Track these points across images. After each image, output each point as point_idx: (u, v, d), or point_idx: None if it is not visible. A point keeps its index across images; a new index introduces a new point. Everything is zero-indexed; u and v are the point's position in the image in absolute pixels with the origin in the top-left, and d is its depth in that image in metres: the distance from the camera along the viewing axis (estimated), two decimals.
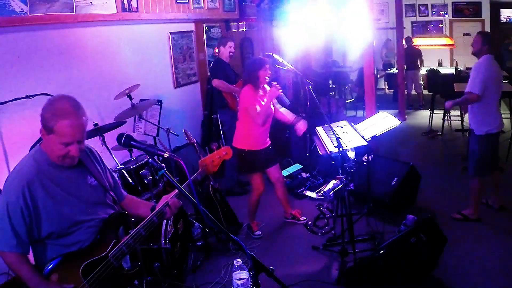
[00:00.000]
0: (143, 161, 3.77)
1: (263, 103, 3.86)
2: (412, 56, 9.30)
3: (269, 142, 4.09)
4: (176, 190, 2.02)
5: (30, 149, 3.14)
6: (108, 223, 1.95)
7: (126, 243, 1.90)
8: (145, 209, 2.15)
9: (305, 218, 4.36)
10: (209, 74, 5.88)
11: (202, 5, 5.91)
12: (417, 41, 9.57)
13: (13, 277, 3.43)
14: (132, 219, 2.14)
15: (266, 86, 3.96)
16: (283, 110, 4.14)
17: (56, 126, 1.77)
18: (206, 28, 6.23)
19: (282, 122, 4.20)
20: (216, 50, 5.58)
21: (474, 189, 4.12)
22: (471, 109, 4.12)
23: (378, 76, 10.37)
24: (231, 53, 5.19)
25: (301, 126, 4.06)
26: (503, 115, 5.53)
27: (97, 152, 2.14)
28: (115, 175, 2.24)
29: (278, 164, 4.19)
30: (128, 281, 1.98)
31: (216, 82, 4.99)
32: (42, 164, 1.86)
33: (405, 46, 9.30)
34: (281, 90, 3.87)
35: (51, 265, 1.79)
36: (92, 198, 1.96)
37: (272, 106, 3.95)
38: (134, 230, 1.92)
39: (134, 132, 4.65)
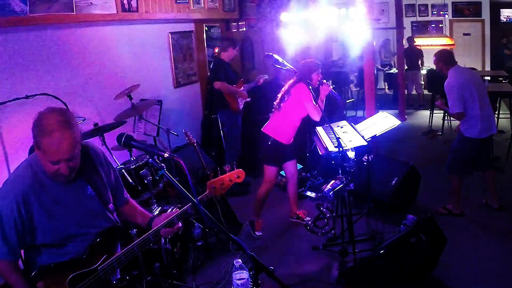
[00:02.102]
0: (143, 161, 3.76)
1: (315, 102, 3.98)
2: (413, 56, 9.30)
3: (293, 139, 4.18)
4: (175, 212, 1.96)
5: (29, 149, 3.15)
6: (101, 237, 1.90)
7: (118, 259, 1.86)
8: (143, 220, 2.09)
9: (309, 218, 4.36)
10: (209, 75, 5.87)
11: (202, 5, 5.91)
12: (417, 41, 9.57)
13: None
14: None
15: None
16: None
17: (42, 143, 1.68)
18: (206, 28, 6.22)
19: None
20: (217, 50, 5.57)
21: (453, 184, 4.28)
22: None
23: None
24: (235, 56, 5.20)
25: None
26: (503, 115, 5.55)
27: (101, 151, 2.04)
28: (119, 178, 2.16)
29: (295, 160, 4.25)
30: None
31: (218, 85, 4.98)
32: (39, 174, 1.80)
33: (406, 45, 9.31)
34: (332, 86, 4.07)
35: (36, 271, 1.78)
36: (90, 211, 1.90)
37: None
38: (128, 247, 1.88)
39: (134, 132, 4.66)
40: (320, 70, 4.09)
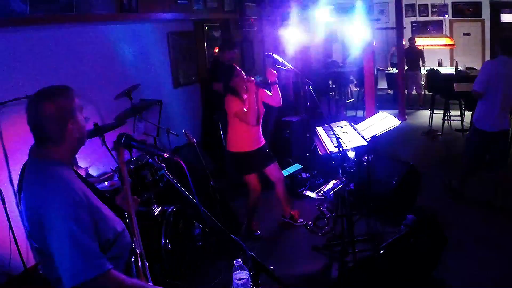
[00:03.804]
0: (143, 161, 3.76)
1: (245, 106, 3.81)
2: (413, 56, 9.31)
3: (264, 141, 4.08)
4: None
5: (30, 149, 3.15)
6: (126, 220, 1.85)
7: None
8: None
9: (302, 220, 4.34)
10: (208, 75, 5.87)
11: (202, 5, 5.90)
12: (417, 41, 9.58)
13: (13, 276, 3.43)
14: None
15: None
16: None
17: (74, 100, 1.73)
18: (206, 28, 6.22)
19: (271, 103, 4.06)
20: (217, 50, 5.57)
21: (463, 166, 4.55)
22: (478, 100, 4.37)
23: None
24: (232, 59, 5.20)
25: (269, 74, 3.92)
26: None
27: None
28: None
29: (277, 163, 4.17)
30: None
31: (216, 86, 4.99)
32: (66, 170, 1.65)
33: (407, 46, 9.31)
34: (253, 79, 3.76)
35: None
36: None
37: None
38: (134, 223, 1.85)
39: (134, 132, 4.65)
40: (238, 71, 3.79)
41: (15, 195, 1.72)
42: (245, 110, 3.78)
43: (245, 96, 3.86)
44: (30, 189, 1.57)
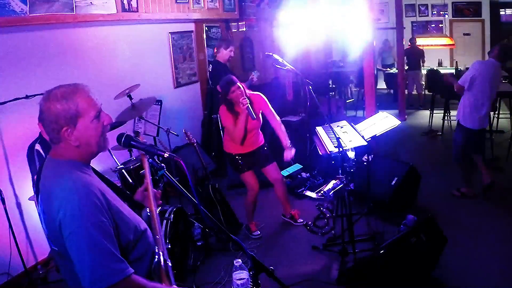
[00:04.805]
0: None
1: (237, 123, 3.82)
2: (414, 56, 9.31)
3: (262, 142, 4.09)
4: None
5: (28, 148, 3.15)
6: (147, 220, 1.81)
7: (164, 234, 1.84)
8: None
9: (302, 220, 4.34)
10: (209, 77, 5.86)
11: (202, 5, 5.90)
12: (417, 41, 9.58)
13: (13, 276, 3.43)
14: None
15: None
16: (283, 129, 4.04)
17: (78, 105, 1.57)
18: (206, 28, 6.22)
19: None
20: (216, 50, 5.57)
21: (462, 170, 4.67)
22: (461, 99, 4.55)
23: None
24: (230, 57, 5.19)
25: (288, 155, 4.00)
26: (503, 115, 5.65)
27: None
28: None
29: (275, 164, 4.16)
30: None
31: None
32: (83, 170, 1.57)
33: (408, 46, 9.32)
34: (247, 105, 3.74)
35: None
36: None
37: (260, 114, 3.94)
38: (157, 217, 1.79)
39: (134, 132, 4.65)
40: (236, 86, 3.76)
41: (34, 192, 1.65)
42: (233, 129, 3.82)
43: (236, 113, 3.85)
44: (48, 192, 1.50)
